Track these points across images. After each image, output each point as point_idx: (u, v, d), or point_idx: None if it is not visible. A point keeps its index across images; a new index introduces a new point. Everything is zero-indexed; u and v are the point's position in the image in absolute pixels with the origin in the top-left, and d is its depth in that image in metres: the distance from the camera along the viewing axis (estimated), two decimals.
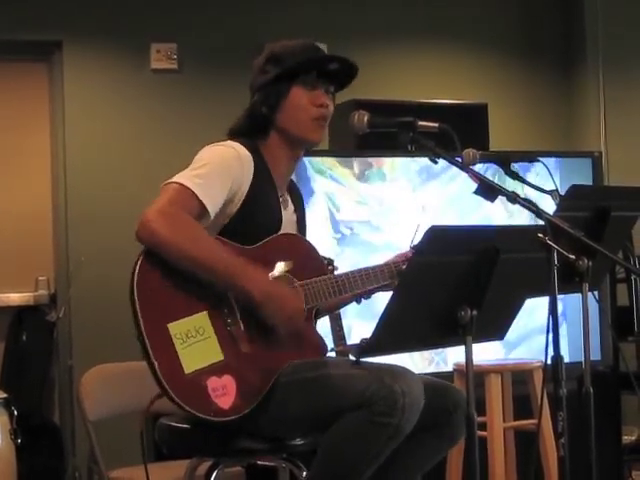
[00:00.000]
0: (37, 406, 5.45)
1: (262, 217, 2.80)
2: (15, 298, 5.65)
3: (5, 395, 3.95)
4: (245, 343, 2.68)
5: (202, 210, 2.67)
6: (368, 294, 2.99)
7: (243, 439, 2.73)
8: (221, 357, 2.63)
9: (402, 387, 2.52)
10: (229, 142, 2.83)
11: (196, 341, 2.61)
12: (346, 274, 2.85)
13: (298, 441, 2.79)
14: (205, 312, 2.65)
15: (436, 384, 2.81)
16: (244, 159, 2.78)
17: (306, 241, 2.92)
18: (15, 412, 3.91)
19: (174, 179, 2.69)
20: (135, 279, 2.59)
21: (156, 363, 2.55)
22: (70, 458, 5.24)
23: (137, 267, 2.60)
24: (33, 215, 5.70)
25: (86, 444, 3.79)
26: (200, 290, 2.64)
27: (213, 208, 2.69)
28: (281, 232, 2.84)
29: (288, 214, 2.93)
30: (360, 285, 2.87)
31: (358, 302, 3.03)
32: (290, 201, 2.98)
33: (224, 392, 2.60)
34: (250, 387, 2.64)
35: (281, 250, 2.80)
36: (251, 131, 2.88)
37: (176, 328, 2.59)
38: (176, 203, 2.63)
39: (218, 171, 2.73)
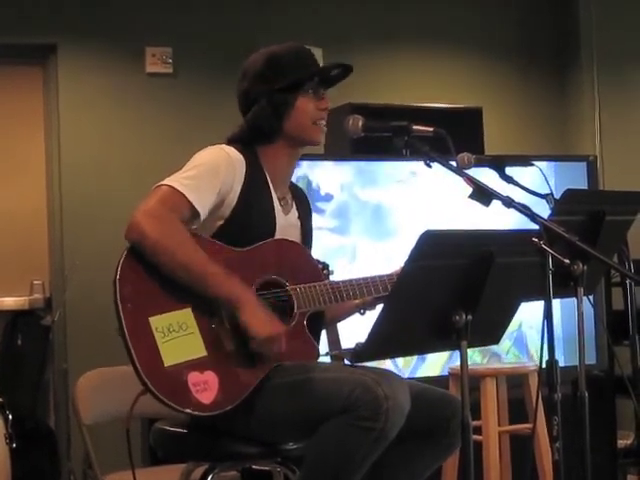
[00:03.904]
0: (32, 410, 5.44)
1: (255, 220, 2.80)
2: (10, 302, 5.63)
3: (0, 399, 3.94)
4: (230, 341, 2.67)
5: (192, 211, 2.70)
6: (371, 305, 2.98)
7: (237, 443, 2.74)
8: (204, 353, 2.64)
9: (386, 391, 2.51)
10: (221, 145, 2.85)
11: (178, 336, 2.62)
12: (343, 282, 2.84)
13: (292, 445, 2.80)
14: (189, 308, 2.66)
15: (434, 392, 2.81)
16: (235, 161, 2.80)
17: (300, 246, 2.91)
18: (10, 416, 3.91)
19: (164, 182, 2.71)
20: (118, 272, 2.61)
21: (135, 355, 2.56)
22: (65, 462, 5.22)
23: (121, 261, 2.63)
24: (28, 219, 5.69)
25: (81, 448, 3.78)
26: (185, 286, 2.65)
27: (203, 209, 2.71)
28: (277, 237, 2.84)
29: (289, 218, 2.94)
30: (358, 294, 2.85)
31: (362, 313, 3.00)
32: (295, 207, 2.99)
33: (205, 387, 2.60)
34: (234, 385, 2.64)
35: (272, 254, 2.80)
36: (252, 139, 2.89)
37: (157, 322, 2.61)
38: (165, 205, 2.65)
39: (207, 173, 2.74)
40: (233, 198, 2.78)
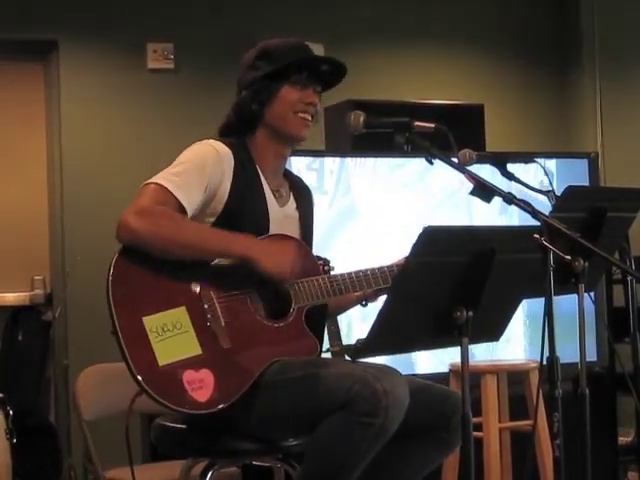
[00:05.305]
0: (33, 406, 5.44)
1: (248, 213, 2.80)
2: (11, 298, 5.64)
3: (0, 395, 3.95)
4: (226, 339, 2.67)
5: (179, 208, 2.70)
6: (372, 296, 2.98)
7: (238, 440, 2.74)
8: (199, 351, 2.64)
9: (385, 387, 2.51)
10: (209, 140, 2.84)
11: (172, 335, 2.62)
12: (342, 275, 2.84)
13: (292, 441, 2.79)
14: (183, 307, 2.66)
15: (435, 389, 2.81)
16: (223, 156, 2.79)
17: (297, 241, 2.89)
18: (11, 412, 3.92)
19: (151, 180, 2.72)
20: (110, 274, 2.62)
21: (129, 355, 2.56)
22: (66, 458, 5.23)
23: (113, 262, 2.63)
24: (29, 215, 5.70)
25: (82, 444, 3.78)
26: (179, 285, 2.66)
27: (190, 205, 2.71)
28: (272, 229, 2.83)
29: (285, 210, 2.93)
30: (357, 287, 2.85)
31: (364, 305, 3.00)
32: (292, 197, 2.98)
33: (201, 385, 2.60)
34: (230, 382, 2.64)
35: None
36: (239, 127, 2.89)
37: (151, 322, 2.61)
38: (153, 201, 2.67)
39: (194, 169, 2.75)
40: (224, 193, 2.78)
